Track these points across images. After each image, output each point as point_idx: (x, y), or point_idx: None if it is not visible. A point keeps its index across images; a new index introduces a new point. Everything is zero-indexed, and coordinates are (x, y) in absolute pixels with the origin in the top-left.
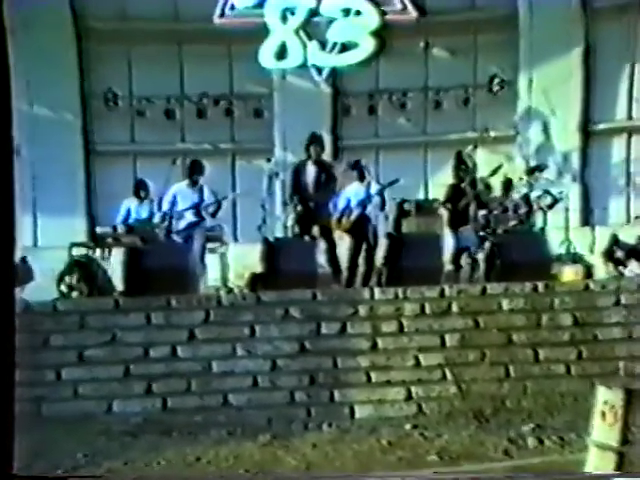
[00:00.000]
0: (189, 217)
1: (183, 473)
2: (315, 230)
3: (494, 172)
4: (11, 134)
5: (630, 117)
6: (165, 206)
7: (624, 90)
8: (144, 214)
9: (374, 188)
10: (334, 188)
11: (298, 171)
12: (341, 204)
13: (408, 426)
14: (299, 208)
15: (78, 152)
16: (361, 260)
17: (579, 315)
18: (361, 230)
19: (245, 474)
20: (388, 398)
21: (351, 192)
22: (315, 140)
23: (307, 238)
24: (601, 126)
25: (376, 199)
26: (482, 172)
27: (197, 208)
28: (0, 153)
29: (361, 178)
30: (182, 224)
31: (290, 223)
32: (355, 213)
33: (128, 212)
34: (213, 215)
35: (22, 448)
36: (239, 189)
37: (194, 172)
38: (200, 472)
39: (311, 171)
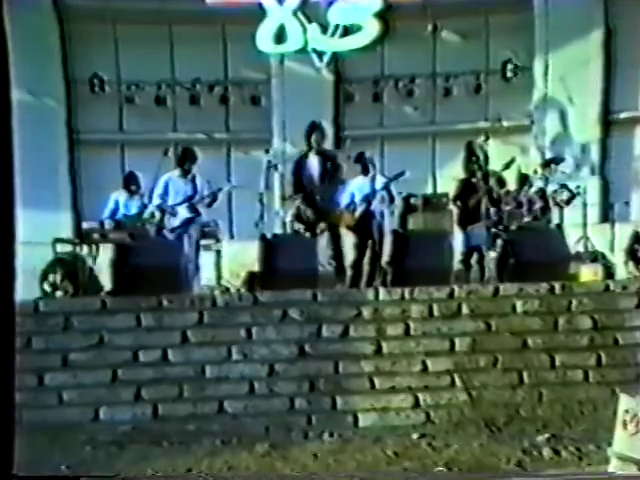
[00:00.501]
0: (183, 213)
1: None
2: (322, 226)
3: (507, 166)
4: (11, 135)
5: None
6: (156, 199)
7: None
8: (134, 209)
9: (379, 182)
10: (339, 180)
11: (300, 163)
12: (345, 200)
13: (415, 435)
14: (301, 203)
15: (62, 141)
16: (365, 259)
17: (598, 318)
18: (366, 227)
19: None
20: (393, 406)
21: (355, 187)
22: (315, 129)
23: (308, 235)
24: (622, 115)
25: (382, 194)
26: (494, 165)
27: (191, 201)
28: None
29: (365, 172)
30: (176, 221)
31: (289, 219)
32: (360, 209)
33: (116, 206)
34: (209, 206)
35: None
36: (235, 182)
37: (186, 160)
38: None
39: (314, 163)
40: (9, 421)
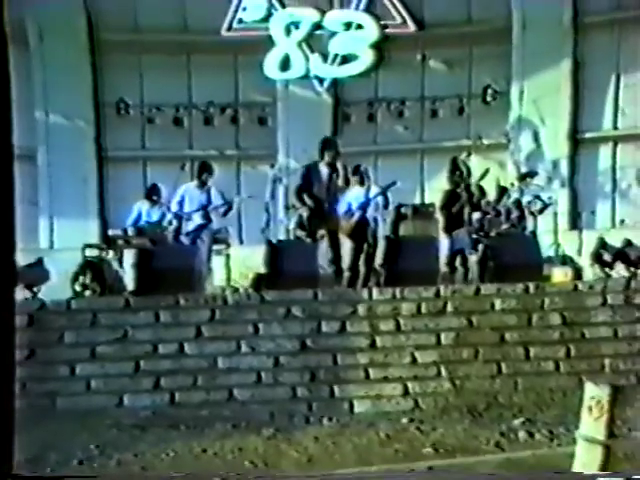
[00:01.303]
0: (197, 219)
1: (190, 465)
2: (321, 232)
3: (483, 176)
4: (11, 138)
5: (616, 127)
6: (174, 207)
7: (610, 101)
8: (155, 217)
9: (373, 192)
10: (343, 189)
11: (310, 170)
12: (342, 208)
13: (405, 420)
14: (306, 211)
15: (91, 158)
16: (361, 261)
17: (568, 315)
18: (362, 233)
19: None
20: (386, 394)
21: (352, 196)
22: (329, 145)
23: (309, 240)
24: (588, 135)
25: (377, 201)
26: (476, 178)
27: (205, 209)
28: (0, 155)
29: (361, 182)
30: (190, 226)
31: (292, 226)
32: (356, 216)
33: (139, 215)
34: (224, 215)
35: (37, 440)
36: (244, 194)
37: (203, 172)
38: (206, 464)
39: (323, 172)
40: (9, 421)
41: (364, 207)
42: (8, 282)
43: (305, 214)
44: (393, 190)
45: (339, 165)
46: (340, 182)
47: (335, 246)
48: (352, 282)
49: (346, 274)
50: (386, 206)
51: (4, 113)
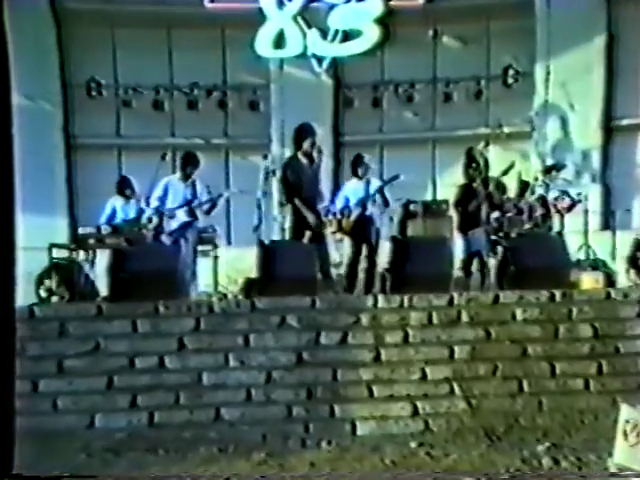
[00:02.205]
0: (181, 217)
1: None
2: (307, 235)
3: (506, 171)
4: (11, 138)
5: None
6: (154, 202)
7: None
8: (132, 213)
9: (374, 186)
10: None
11: (288, 166)
12: (339, 204)
13: (413, 444)
14: (291, 211)
15: (59, 146)
16: (363, 265)
17: (599, 326)
18: (362, 232)
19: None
20: (392, 414)
21: (349, 190)
22: (306, 132)
23: (305, 241)
24: (624, 122)
25: (377, 198)
26: (495, 171)
27: (189, 205)
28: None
29: (360, 175)
30: (174, 224)
31: (288, 225)
32: (355, 213)
33: (114, 211)
34: (207, 213)
35: None
36: (233, 187)
37: (187, 164)
38: None
39: (304, 163)
40: (9, 421)
41: (364, 203)
42: (8, 283)
43: (291, 215)
44: (400, 185)
45: (315, 154)
46: (321, 173)
47: (323, 252)
48: (350, 288)
49: (343, 280)
50: (386, 204)
51: (4, 113)
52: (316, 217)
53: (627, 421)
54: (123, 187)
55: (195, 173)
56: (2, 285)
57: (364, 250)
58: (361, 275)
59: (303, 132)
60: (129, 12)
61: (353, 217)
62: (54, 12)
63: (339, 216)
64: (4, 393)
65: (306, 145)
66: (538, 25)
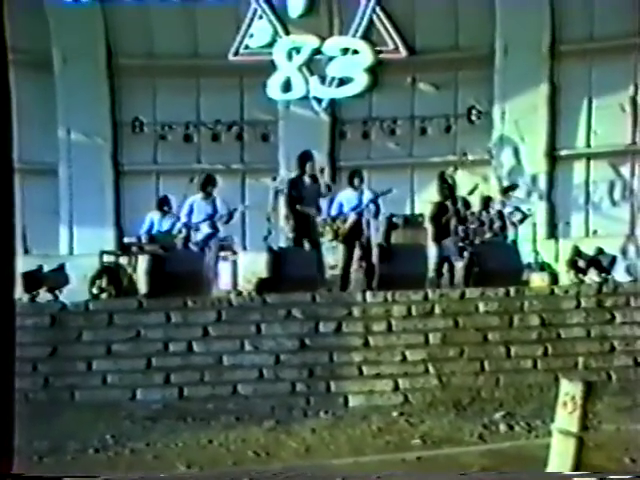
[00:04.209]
0: (205, 229)
1: (197, 454)
2: (305, 242)
3: (472, 191)
4: (11, 140)
5: (589, 145)
6: (183, 217)
7: (583, 122)
8: (165, 226)
9: (367, 196)
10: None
11: (295, 183)
12: (333, 210)
13: (395, 414)
14: (293, 222)
15: (108, 172)
16: (356, 267)
17: (545, 316)
18: (356, 238)
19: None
20: (378, 389)
21: (343, 198)
22: (308, 158)
23: (307, 247)
24: (564, 152)
25: (370, 207)
26: (462, 190)
27: (211, 219)
28: (1, 161)
29: (356, 185)
30: (199, 236)
31: (291, 235)
32: (350, 220)
33: (151, 224)
34: (226, 222)
35: (57, 430)
36: (248, 204)
37: (208, 185)
38: (212, 453)
39: (307, 183)
40: (9, 421)
41: (357, 210)
42: (8, 284)
43: (293, 225)
44: (386, 200)
45: (318, 175)
46: (323, 191)
47: (319, 256)
48: (344, 286)
49: (339, 280)
50: (377, 214)
51: (4, 125)
52: (314, 225)
53: (566, 393)
54: (163, 204)
55: (214, 191)
56: (2, 285)
57: (358, 253)
58: (354, 275)
59: (305, 157)
60: (167, 65)
61: (348, 224)
62: (109, 66)
63: (334, 223)
64: (4, 393)
65: (308, 167)
66: (496, 75)
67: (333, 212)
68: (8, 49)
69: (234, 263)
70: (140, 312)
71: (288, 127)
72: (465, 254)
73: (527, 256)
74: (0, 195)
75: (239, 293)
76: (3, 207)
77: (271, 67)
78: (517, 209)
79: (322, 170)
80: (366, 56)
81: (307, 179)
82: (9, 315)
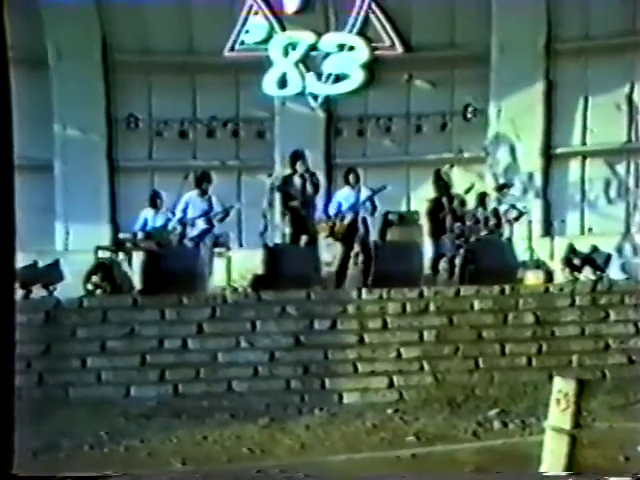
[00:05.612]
0: (200, 225)
1: (192, 451)
2: (303, 239)
3: (468, 190)
4: (11, 138)
5: (584, 143)
6: (178, 214)
7: (579, 120)
8: (160, 222)
9: (364, 194)
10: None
11: (286, 182)
12: (332, 209)
13: (390, 411)
14: (289, 218)
15: (103, 168)
16: (360, 264)
17: (540, 314)
18: (354, 235)
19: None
20: (372, 386)
21: (342, 196)
22: (299, 157)
23: (302, 244)
24: (560, 150)
25: (367, 205)
26: (457, 188)
27: (207, 216)
28: (1, 161)
29: (352, 184)
30: (194, 232)
31: (288, 231)
32: (348, 218)
33: (146, 221)
34: (221, 221)
35: (52, 427)
36: (244, 201)
37: (203, 182)
38: (206, 450)
39: (297, 182)
40: (9, 421)
41: (354, 208)
42: (8, 283)
43: (289, 221)
44: (381, 198)
45: (307, 175)
46: (310, 190)
47: (315, 253)
48: (339, 283)
49: (334, 276)
50: (373, 212)
51: (5, 122)
52: (308, 222)
53: (559, 391)
54: (154, 199)
55: (210, 188)
56: (2, 286)
57: (356, 250)
58: (349, 272)
59: (296, 157)
60: (162, 62)
61: (346, 221)
62: (105, 62)
63: (333, 221)
64: (4, 393)
65: (298, 166)
66: (492, 73)
67: (332, 211)
68: (8, 49)
69: (229, 259)
70: (135, 309)
71: (284, 124)
72: (460, 251)
73: (522, 254)
74: (0, 195)
75: (234, 290)
76: (3, 207)
77: (267, 63)
78: (513, 207)
79: (308, 170)
80: (362, 52)
81: (297, 178)
82: (9, 315)
